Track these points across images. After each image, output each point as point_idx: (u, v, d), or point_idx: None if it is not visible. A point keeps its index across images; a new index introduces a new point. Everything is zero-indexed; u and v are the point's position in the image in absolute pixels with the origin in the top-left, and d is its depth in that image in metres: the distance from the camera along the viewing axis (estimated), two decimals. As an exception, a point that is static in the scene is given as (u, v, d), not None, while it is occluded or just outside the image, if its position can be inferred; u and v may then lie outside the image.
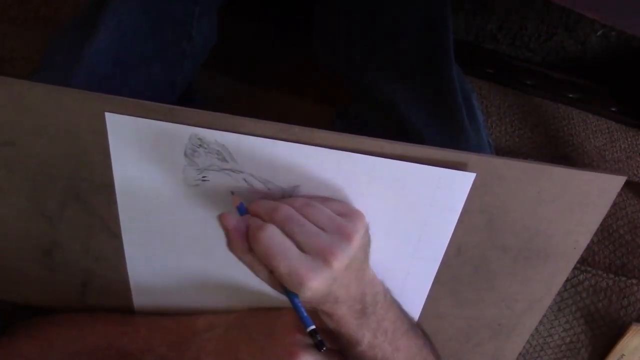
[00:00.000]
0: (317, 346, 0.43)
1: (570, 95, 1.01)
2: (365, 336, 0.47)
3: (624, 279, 0.77)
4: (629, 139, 0.96)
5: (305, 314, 0.43)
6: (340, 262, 0.42)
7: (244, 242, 0.43)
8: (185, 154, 0.47)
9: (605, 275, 0.77)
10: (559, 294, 0.57)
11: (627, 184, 0.90)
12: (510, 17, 1.02)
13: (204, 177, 0.48)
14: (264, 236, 0.41)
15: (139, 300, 0.58)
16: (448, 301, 0.56)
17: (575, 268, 0.54)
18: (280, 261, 0.41)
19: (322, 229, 0.43)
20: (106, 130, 0.46)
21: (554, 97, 1.00)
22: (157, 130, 0.45)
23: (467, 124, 0.61)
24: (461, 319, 0.58)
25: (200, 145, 0.46)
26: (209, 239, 0.52)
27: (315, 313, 0.46)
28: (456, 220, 0.49)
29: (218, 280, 0.56)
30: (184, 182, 0.48)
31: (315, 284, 0.41)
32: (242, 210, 0.46)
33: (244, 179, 0.47)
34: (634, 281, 0.77)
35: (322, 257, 0.42)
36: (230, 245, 0.44)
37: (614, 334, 0.79)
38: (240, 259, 0.44)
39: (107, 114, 0.45)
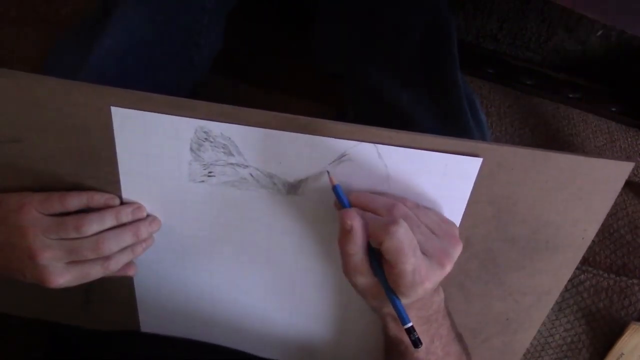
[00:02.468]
0: (415, 343, 0.43)
1: (570, 95, 1.01)
2: (424, 342, 0.47)
3: (624, 279, 0.77)
4: (629, 139, 0.96)
5: (404, 311, 0.43)
6: (451, 265, 0.44)
7: (364, 238, 0.42)
8: (191, 149, 0.46)
9: (606, 275, 0.77)
10: (560, 294, 0.56)
11: (628, 184, 0.90)
12: (510, 17, 1.02)
13: (210, 172, 0.48)
14: (399, 231, 0.40)
15: (143, 304, 0.58)
16: (456, 297, 0.56)
17: (576, 268, 0.54)
18: (410, 258, 0.41)
19: (433, 231, 0.44)
20: (112, 125, 0.45)
21: (554, 97, 1.00)
22: (164, 124, 0.45)
23: (472, 125, 0.61)
24: (469, 315, 0.58)
25: (206, 138, 0.46)
26: (215, 238, 0.52)
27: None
28: (464, 208, 0.48)
29: (223, 284, 0.56)
30: (189, 178, 0.48)
31: (429, 285, 0.42)
32: (341, 194, 0.45)
33: (250, 174, 0.47)
34: (635, 281, 0.77)
35: (437, 259, 0.43)
36: (348, 241, 0.43)
37: (615, 333, 0.79)
38: (348, 255, 0.43)
39: (112, 108, 0.45)
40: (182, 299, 0.58)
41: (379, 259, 0.43)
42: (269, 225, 0.51)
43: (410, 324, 0.43)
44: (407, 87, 0.63)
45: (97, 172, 0.48)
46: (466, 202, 0.48)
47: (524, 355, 0.63)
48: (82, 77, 0.54)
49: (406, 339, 0.46)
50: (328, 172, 0.46)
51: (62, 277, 0.46)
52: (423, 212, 0.46)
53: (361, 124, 0.45)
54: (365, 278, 0.44)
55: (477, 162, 0.46)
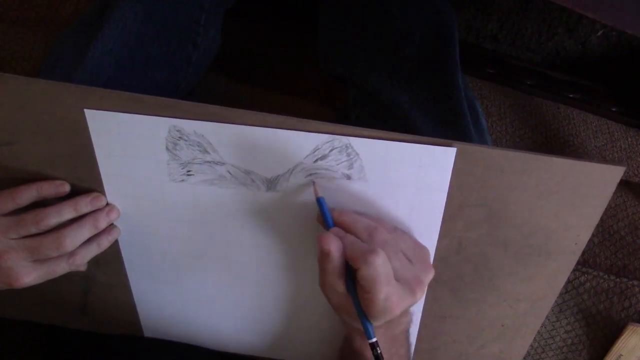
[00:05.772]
0: (377, 358, 0.45)
1: (570, 95, 1.00)
2: (385, 358, 0.48)
3: (625, 280, 0.77)
4: (629, 139, 0.96)
5: (370, 327, 0.44)
6: (422, 293, 0.45)
7: (342, 261, 0.43)
8: (167, 148, 0.46)
9: (606, 276, 0.77)
10: (560, 295, 0.56)
11: (628, 185, 0.90)
12: (510, 17, 1.02)
13: (188, 171, 0.48)
14: (376, 262, 0.41)
15: (142, 307, 0.58)
16: (450, 301, 0.56)
17: (576, 269, 0.54)
18: (383, 287, 0.42)
19: (408, 257, 0.45)
20: (88, 127, 0.45)
21: (554, 97, 1.00)
22: (138, 124, 0.45)
23: (472, 129, 0.61)
24: (464, 320, 0.58)
25: (180, 137, 0.45)
26: (200, 237, 0.52)
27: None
28: (445, 199, 0.48)
29: (212, 283, 0.56)
30: (169, 178, 0.48)
31: (398, 311, 0.43)
32: (324, 208, 0.46)
33: (228, 171, 0.47)
34: (635, 282, 0.77)
35: (409, 287, 0.44)
36: (324, 261, 0.44)
37: (615, 335, 0.79)
38: (324, 272, 0.44)
39: (86, 110, 0.44)
40: (178, 301, 0.58)
41: (354, 280, 0.44)
42: (252, 223, 0.51)
43: (374, 339, 0.44)
44: (407, 89, 0.63)
45: (85, 174, 0.48)
46: (445, 194, 0.48)
47: (524, 357, 0.63)
48: (78, 77, 0.54)
49: (368, 354, 0.47)
50: (314, 183, 0.46)
51: (28, 275, 0.46)
52: (400, 237, 0.47)
53: (344, 125, 0.45)
54: (338, 295, 0.45)
55: (451, 151, 0.45)
